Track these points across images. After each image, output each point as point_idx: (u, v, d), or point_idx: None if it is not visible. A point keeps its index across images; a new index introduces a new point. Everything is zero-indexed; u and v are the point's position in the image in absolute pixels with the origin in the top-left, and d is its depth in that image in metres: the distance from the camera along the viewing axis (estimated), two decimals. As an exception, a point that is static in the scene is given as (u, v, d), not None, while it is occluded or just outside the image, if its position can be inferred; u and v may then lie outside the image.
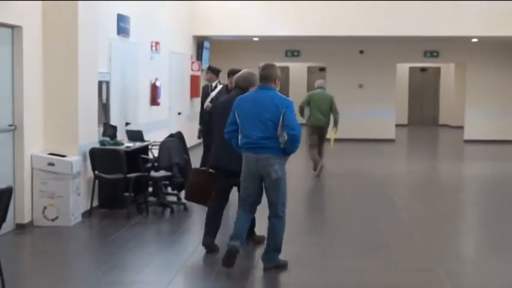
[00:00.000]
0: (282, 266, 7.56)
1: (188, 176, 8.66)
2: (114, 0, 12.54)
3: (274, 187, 7.32)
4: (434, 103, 31.31)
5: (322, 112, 14.52)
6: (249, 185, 7.39)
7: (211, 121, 8.45)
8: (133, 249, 8.48)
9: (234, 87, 8.29)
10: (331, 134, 14.69)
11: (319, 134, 14.57)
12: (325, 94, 14.94)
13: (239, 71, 10.60)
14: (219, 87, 12.86)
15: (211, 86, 13.00)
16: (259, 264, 7.64)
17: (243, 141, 7.32)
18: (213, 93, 12.80)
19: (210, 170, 8.15)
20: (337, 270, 7.72)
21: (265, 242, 7.67)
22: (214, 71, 13.15)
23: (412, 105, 30.90)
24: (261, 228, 8.32)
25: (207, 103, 12.77)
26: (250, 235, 8.06)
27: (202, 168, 8.44)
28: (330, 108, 14.53)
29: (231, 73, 10.98)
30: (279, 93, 7.34)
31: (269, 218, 7.47)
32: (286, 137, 7.15)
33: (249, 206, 7.51)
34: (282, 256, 7.63)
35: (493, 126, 22.72)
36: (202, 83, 19.93)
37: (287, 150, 7.25)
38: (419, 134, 27.37)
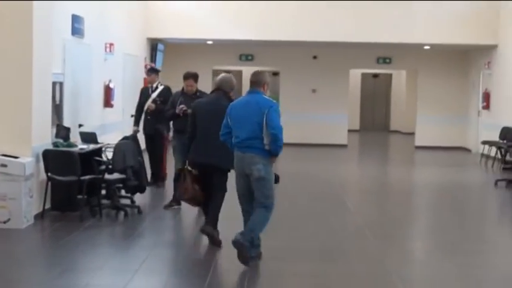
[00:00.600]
0: (256, 257, 7.97)
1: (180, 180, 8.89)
2: (69, 0, 12.39)
3: (257, 185, 7.77)
4: (385, 109, 31.61)
5: None
6: (239, 181, 7.94)
7: (192, 120, 8.83)
8: (87, 252, 8.40)
9: (216, 89, 8.82)
10: None
11: None
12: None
13: (195, 74, 10.63)
14: (160, 88, 12.85)
15: (151, 87, 12.93)
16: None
17: (234, 141, 7.85)
18: (154, 94, 12.79)
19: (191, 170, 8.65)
20: (294, 275, 7.74)
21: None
22: (156, 72, 13.09)
23: (364, 111, 31.15)
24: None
25: (149, 104, 12.71)
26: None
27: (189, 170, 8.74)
28: None
29: (187, 76, 10.99)
30: (264, 96, 7.84)
31: (254, 207, 7.88)
32: (269, 138, 7.60)
33: (245, 202, 8.01)
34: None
35: (443, 133, 22.99)
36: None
37: (272, 151, 7.67)
38: (371, 140, 27.60)
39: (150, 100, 12.79)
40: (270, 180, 7.80)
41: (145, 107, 12.82)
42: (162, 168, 13.00)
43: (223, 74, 9.00)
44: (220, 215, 8.71)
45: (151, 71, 13.25)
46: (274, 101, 7.81)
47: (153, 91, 12.88)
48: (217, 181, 8.70)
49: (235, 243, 7.70)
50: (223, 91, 8.73)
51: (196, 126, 8.72)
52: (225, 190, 8.78)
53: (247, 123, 7.70)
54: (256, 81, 7.95)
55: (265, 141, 7.64)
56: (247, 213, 8.01)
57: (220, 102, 8.54)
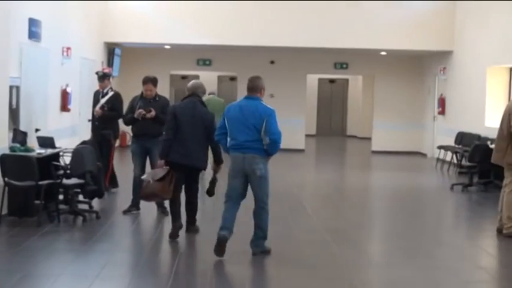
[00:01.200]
0: (267, 252, 8.50)
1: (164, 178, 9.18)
2: (25, 0, 12.23)
3: (258, 183, 8.28)
4: (342, 114, 31.83)
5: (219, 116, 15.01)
6: (235, 181, 8.32)
7: (171, 124, 9.29)
8: (46, 257, 8.29)
9: (191, 94, 9.47)
10: None
11: None
12: (217, 99, 16.56)
13: (154, 78, 10.60)
14: (110, 94, 12.68)
15: (102, 92, 12.78)
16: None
17: (231, 143, 8.32)
18: (103, 100, 12.61)
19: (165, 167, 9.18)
20: (253, 279, 7.75)
21: (253, 231, 8.51)
22: (108, 77, 12.93)
23: (321, 116, 31.33)
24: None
25: (96, 109, 12.57)
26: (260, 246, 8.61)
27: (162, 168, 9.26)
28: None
29: (146, 81, 10.94)
30: (262, 103, 8.28)
31: (255, 210, 8.43)
32: (268, 141, 8.12)
33: (234, 198, 8.39)
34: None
35: (399, 138, 23.22)
36: (114, 89, 19.76)
37: (269, 152, 8.24)
38: (328, 145, 27.76)
39: (98, 105, 12.60)
40: (268, 177, 8.34)
41: (94, 112, 12.64)
42: (105, 176, 12.47)
43: (194, 80, 9.79)
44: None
45: (103, 77, 12.94)
46: (272, 108, 8.26)
47: (102, 96, 12.70)
48: (193, 180, 9.49)
49: (255, 254, 8.46)
50: (198, 96, 9.45)
51: (176, 129, 9.19)
52: (198, 187, 9.60)
53: (244, 127, 8.17)
54: (254, 86, 8.36)
55: (264, 142, 8.15)
56: (230, 209, 8.40)
57: (198, 108, 9.28)
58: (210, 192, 9.48)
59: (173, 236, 9.29)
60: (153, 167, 10.98)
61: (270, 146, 8.17)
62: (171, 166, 9.15)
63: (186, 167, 9.25)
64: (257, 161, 8.20)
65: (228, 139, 8.38)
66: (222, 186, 9.02)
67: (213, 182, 9.42)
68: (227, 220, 8.36)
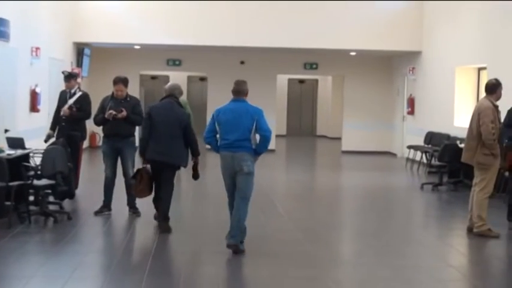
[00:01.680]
0: (242, 250, 8.73)
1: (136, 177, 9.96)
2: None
3: (245, 179, 8.71)
4: (312, 114, 31.91)
5: None
6: (227, 178, 8.83)
7: (147, 123, 9.87)
8: (17, 259, 8.21)
9: (168, 95, 10.04)
10: None
11: None
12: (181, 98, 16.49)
13: (125, 78, 10.57)
14: (78, 94, 12.35)
15: (69, 92, 12.43)
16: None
17: (222, 143, 8.78)
18: (71, 100, 12.23)
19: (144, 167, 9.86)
20: (226, 279, 7.74)
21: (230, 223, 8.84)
22: (75, 78, 12.71)
23: (291, 116, 31.39)
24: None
25: (64, 109, 12.16)
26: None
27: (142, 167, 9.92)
28: None
29: (117, 81, 10.89)
30: (250, 104, 8.80)
31: (236, 204, 8.78)
32: (258, 139, 8.69)
33: (232, 196, 8.88)
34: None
35: (369, 138, 23.35)
36: (84, 89, 19.62)
37: (258, 150, 8.73)
38: (299, 145, 27.81)
39: (66, 106, 12.27)
40: (254, 175, 8.79)
41: (61, 113, 12.31)
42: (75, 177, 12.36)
43: (172, 82, 10.67)
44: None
45: (69, 77, 12.60)
46: (260, 108, 8.80)
47: (70, 96, 12.37)
48: (168, 176, 9.95)
49: (230, 246, 8.63)
50: (175, 97, 10.10)
51: (151, 128, 9.78)
52: (173, 183, 10.03)
53: (235, 127, 8.63)
54: (240, 90, 8.89)
55: (253, 142, 8.68)
56: (232, 205, 8.89)
57: (175, 109, 9.89)
58: (195, 176, 9.98)
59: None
60: (124, 167, 10.95)
61: (261, 143, 8.70)
62: (149, 163, 9.84)
63: (162, 164, 9.82)
64: (245, 158, 8.64)
65: (219, 140, 8.83)
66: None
67: (195, 165, 9.93)
68: (232, 227, 8.77)
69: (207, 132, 8.94)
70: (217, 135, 8.86)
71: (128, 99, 11.00)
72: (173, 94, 10.10)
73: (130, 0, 19.86)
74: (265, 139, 8.65)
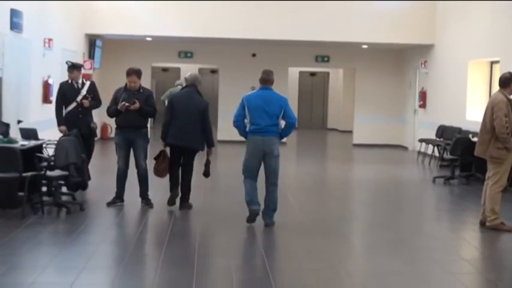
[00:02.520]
0: (273, 223, 9.79)
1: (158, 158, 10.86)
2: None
3: (274, 161, 9.67)
4: (323, 107, 31.88)
5: None
6: (254, 159, 9.69)
7: (169, 111, 10.77)
8: (31, 249, 8.25)
9: (189, 85, 10.90)
10: None
11: None
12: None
13: (138, 70, 10.59)
14: (87, 83, 12.19)
15: (77, 83, 12.15)
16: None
17: (252, 128, 9.61)
18: (84, 90, 12.06)
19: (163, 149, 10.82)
20: (241, 270, 7.75)
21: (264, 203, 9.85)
22: (79, 68, 12.47)
23: (302, 109, 31.35)
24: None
25: (83, 100, 11.96)
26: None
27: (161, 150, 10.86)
28: None
29: (131, 72, 10.89)
30: (277, 92, 9.67)
31: (267, 186, 9.80)
32: (283, 125, 9.64)
33: (253, 176, 9.76)
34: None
35: (380, 131, 23.31)
36: (96, 81, 19.65)
37: (283, 134, 9.72)
38: (310, 138, 27.79)
39: (80, 96, 12.06)
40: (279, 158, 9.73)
41: (74, 104, 12.02)
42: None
43: (192, 72, 11.25)
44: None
45: (73, 67, 12.27)
46: (286, 97, 9.76)
47: (80, 87, 12.15)
48: (187, 159, 10.92)
49: (269, 225, 9.75)
50: (195, 86, 10.83)
51: (172, 116, 10.66)
52: (192, 166, 10.96)
53: (265, 113, 9.49)
54: (269, 79, 9.71)
55: (279, 127, 9.62)
56: (253, 185, 9.82)
57: (194, 98, 10.73)
58: (206, 173, 10.98)
59: (170, 203, 10.94)
60: (136, 158, 10.96)
61: (286, 129, 9.69)
62: (171, 147, 10.82)
63: (180, 148, 10.76)
64: (274, 142, 9.61)
65: (248, 125, 9.66)
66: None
67: (207, 164, 10.90)
68: (254, 196, 9.77)
69: (236, 116, 9.69)
70: (246, 120, 9.64)
71: (141, 90, 11.02)
72: (194, 84, 10.88)
73: (142, -8, 19.87)
74: (291, 125, 9.66)
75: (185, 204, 10.90)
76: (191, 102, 10.68)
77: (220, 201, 12.14)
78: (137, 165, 11.01)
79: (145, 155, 11.10)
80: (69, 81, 12.24)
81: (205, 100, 10.89)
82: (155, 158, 10.89)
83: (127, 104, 10.70)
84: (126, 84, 11.00)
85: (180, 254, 8.25)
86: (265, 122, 9.51)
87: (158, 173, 10.92)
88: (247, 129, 9.69)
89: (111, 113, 11.14)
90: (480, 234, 9.98)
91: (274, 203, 9.80)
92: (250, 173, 9.75)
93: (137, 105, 10.77)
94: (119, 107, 10.80)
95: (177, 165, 10.93)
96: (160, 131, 10.94)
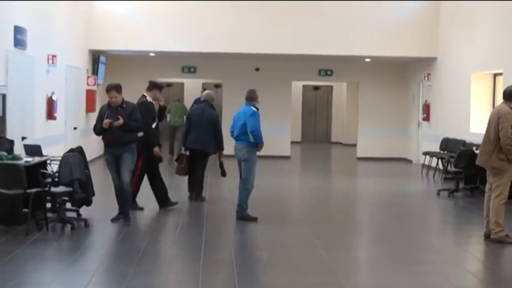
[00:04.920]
0: (251, 218, 11.35)
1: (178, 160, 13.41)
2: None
3: (245, 165, 11.36)
4: (327, 121, 31.88)
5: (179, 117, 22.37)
6: (238, 164, 11.55)
7: (188, 121, 13.43)
8: (36, 267, 8.26)
9: (203, 101, 13.45)
10: None
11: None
12: (179, 105, 23.43)
13: (117, 85, 11.15)
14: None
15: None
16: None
17: (233, 135, 11.59)
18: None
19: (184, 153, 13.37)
20: (249, 285, 7.74)
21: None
22: (158, 88, 12.54)
23: (306, 123, 31.35)
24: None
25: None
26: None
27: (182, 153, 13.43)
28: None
29: (109, 88, 10.84)
30: (251, 107, 11.34)
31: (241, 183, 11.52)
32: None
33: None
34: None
35: (385, 144, 23.29)
36: (100, 97, 19.70)
37: (253, 141, 11.32)
38: (314, 151, 27.80)
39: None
40: (253, 161, 11.38)
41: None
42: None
43: (207, 91, 13.71)
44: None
45: (154, 86, 12.53)
46: (254, 110, 11.32)
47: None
48: (200, 161, 13.25)
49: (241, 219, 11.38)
50: (208, 102, 13.30)
51: (191, 126, 13.15)
52: (204, 167, 13.37)
53: (239, 125, 11.35)
54: (249, 96, 11.52)
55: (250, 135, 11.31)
56: None
57: (207, 111, 13.17)
58: (223, 173, 13.53)
59: (191, 198, 13.33)
60: (120, 171, 10.83)
61: (251, 134, 11.25)
62: (189, 151, 13.22)
63: (195, 151, 13.14)
64: (242, 148, 11.34)
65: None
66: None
67: (221, 165, 13.36)
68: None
69: (232, 126, 11.65)
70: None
71: (124, 106, 10.92)
72: (207, 100, 13.34)
73: (145, 8, 19.92)
74: (252, 133, 11.21)
75: (199, 197, 13.15)
76: (204, 115, 13.08)
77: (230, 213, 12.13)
78: (120, 179, 10.88)
79: (130, 170, 10.98)
80: (153, 101, 12.33)
81: (216, 112, 13.28)
82: (176, 160, 13.68)
83: (110, 121, 10.66)
84: (108, 101, 10.96)
85: (185, 270, 8.24)
86: (236, 132, 11.45)
87: (178, 171, 13.33)
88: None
89: (97, 131, 11.03)
90: (485, 246, 9.95)
91: (244, 200, 11.46)
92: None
93: (120, 121, 10.65)
94: (103, 124, 10.72)
95: (194, 166, 13.13)
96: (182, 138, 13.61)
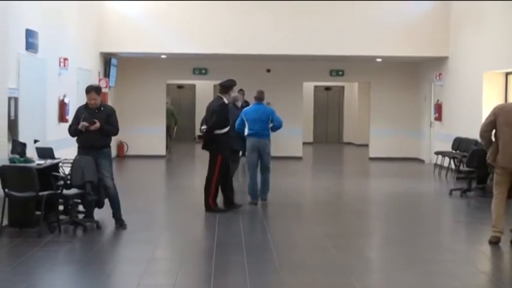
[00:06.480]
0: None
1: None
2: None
3: (266, 156, 13.12)
4: (338, 121, 31.84)
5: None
6: (253, 155, 13.08)
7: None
8: (49, 269, 8.29)
9: (230, 102, 13.27)
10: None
11: None
12: (169, 107, 23.64)
13: (97, 87, 11.08)
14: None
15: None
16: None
17: (249, 132, 13.05)
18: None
19: None
20: (257, 285, 7.75)
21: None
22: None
23: (317, 123, 31.33)
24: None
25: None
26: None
27: None
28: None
29: (89, 90, 10.85)
30: (266, 106, 13.49)
31: (262, 171, 13.19)
32: (272, 126, 13.13)
33: (254, 168, 13.18)
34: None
35: (397, 144, 23.24)
36: (112, 100, 19.75)
37: (273, 130, 13.26)
38: (326, 152, 27.77)
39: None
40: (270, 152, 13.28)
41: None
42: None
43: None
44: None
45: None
46: (272, 108, 13.64)
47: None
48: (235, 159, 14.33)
49: (264, 200, 13.25)
50: (233, 104, 13.99)
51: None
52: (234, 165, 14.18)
53: (259, 121, 12.95)
54: (260, 97, 13.29)
55: (269, 126, 13.07)
56: (253, 176, 13.15)
57: (232, 111, 13.19)
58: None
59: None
60: (103, 179, 10.69)
61: (275, 129, 13.15)
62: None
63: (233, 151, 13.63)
64: (267, 143, 13.08)
65: (246, 129, 13.07)
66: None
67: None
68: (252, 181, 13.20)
69: (239, 124, 13.19)
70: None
71: (102, 108, 10.83)
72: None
73: (156, 10, 19.97)
74: (279, 126, 13.15)
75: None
76: (231, 115, 13.02)
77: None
78: (104, 187, 10.78)
79: (111, 174, 10.89)
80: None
81: (238, 111, 13.83)
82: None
83: (86, 124, 10.54)
84: (86, 103, 10.84)
85: (196, 273, 8.25)
86: (257, 127, 12.93)
87: None
88: (247, 132, 13.11)
89: (72, 132, 10.88)
90: (497, 246, 9.90)
91: (268, 185, 13.30)
92: (249, 164, 13.16)
93: (97, 125, 10.55)
94: (79, 127, 10.60)
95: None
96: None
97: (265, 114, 13.06)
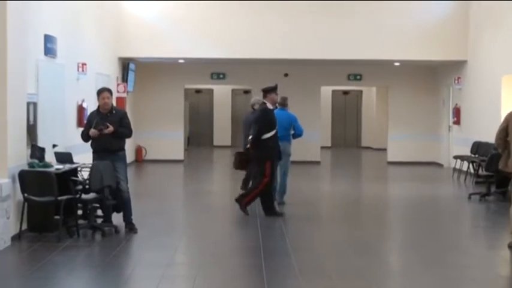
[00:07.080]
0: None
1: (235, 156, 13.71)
2: None
3: (286, 158, 13.38)
4: (356, 125, 31.77)
5: None
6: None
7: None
8: (68, 273, 8.31)
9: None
10: None
11: None
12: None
13: (109, 88, 11.00)
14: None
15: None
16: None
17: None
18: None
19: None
20: (275, 290, 7.75)
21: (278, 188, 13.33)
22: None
23: (335, 127, 31.27)
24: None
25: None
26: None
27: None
28: None
29: (103, 90, 10.91)
30: (289, 112, 13.80)
31: (281, 175, 13.48)
32: (293, 134, 13.64)
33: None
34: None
35: (415, 148, 23.16)
36: (130, 104, 19.82)
37: (294, 138, 13.72)
38: (344, 156, 27.72)
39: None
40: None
41: None
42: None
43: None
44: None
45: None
46: (295, 115, 13.78)
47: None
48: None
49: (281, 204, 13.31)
50: (252, 108, 14.32)
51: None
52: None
53: (281, 127, 12.84)
54: (284, 103, 13.77)
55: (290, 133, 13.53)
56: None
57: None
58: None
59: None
60: (118, 182, 10.72)
61: (296, 137, 13.67)
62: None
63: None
64: (288, 146, 13.43)
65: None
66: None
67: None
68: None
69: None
70: None
71: (114, 112, 10.86)
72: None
73: (174, 15, 20.04)
74: (300, 134, 13.67)
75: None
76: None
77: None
78: (119, 189, 10.77)
79: (127, 177, 10.94)
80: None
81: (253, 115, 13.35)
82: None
83: (97, 133, 10.53)
84: (98, 108, 10.88)
85: (214, 276, 8.25)
86: (281, 132, 12.69)
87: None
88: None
89: (84, 137, 10.93)
90: (517, 251, 9.85)
91: (285, 188, 13.63)
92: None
93: (111, 128, 10.56)
94: (90, 133, 10.65)
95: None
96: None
97: (288, 120, 13.42)
